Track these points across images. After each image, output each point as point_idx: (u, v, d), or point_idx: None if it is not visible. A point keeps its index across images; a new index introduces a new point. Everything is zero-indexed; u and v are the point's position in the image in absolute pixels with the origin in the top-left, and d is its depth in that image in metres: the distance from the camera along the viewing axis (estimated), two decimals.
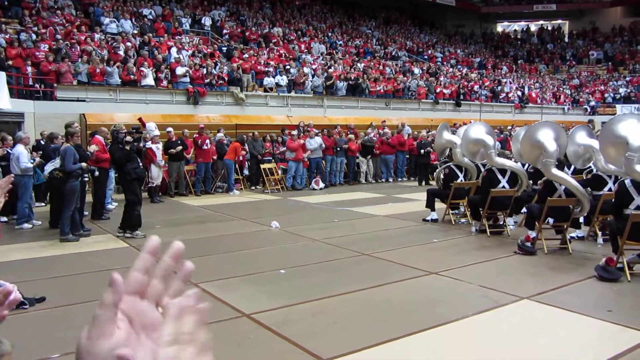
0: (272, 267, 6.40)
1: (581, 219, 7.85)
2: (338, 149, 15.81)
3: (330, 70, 21.64)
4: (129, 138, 8.64)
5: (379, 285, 5.67)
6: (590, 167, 8.80)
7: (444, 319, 4.60)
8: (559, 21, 40.19)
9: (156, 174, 12.38)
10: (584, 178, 8.81)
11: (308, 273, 6.30)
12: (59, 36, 16.47)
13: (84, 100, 15.18)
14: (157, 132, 12.22)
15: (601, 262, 5.96)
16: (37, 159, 9.91)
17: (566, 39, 38.99)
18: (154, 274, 0.61)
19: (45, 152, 10.21)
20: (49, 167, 8.62)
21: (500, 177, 8.48)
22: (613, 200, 6.53)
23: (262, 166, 14.93)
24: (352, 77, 21.49)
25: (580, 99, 30.34)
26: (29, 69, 14.66)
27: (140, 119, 12.13)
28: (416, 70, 25.90)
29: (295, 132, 15.45)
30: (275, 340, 4.22)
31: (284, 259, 6.92)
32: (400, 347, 4.12)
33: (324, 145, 15.42)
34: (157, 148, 12.22)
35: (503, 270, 6.38)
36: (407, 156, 17.56)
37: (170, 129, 13.44)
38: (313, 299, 5.21)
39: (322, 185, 15.25)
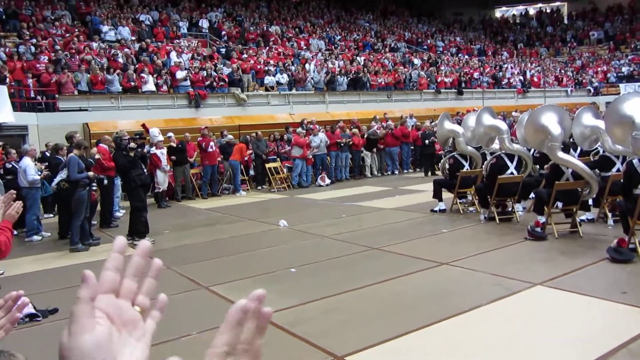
0: (283, 266, 6.40)
1: (590, 201, 7.80)
2: (342, 144, 15.78)
3: (330, 65, 21.58)
4: (132, 144, 8.62)
5: (390, 279, 5.66)
6: (597, 148, 8.73)
7: (457, 310, 4.58)
8: (558, 3, 39.82)
9: (162, 179, 12.40)
10: (592, 160, 8.74)
11: (318, 270, 6.29)
12: (57, 47, 16.50)
13: (86, 110, 15.21)
14: (160, 137, 12.21)
15: (613, 243, 5.92)
16: (44, 172, 9.95)
17: (565, 21, 38.67)
18: (125, 272, 0.61)
19: (51, 164, 10.25)
20: (57, 179, 8.64)
21: (509, 163, 8.43)
22: (622, 180, 6.47)
23: (267, 165, 14.93)
24: (353, 71, 21.43)
25: (584, 80, 30.12)
26: (30, 81, 14.69)
27: (143, 125, 12.12)
28: (416, 61, 25.77)
29: (300, 130, 15.39)
30: (289, 340, 4.22)
31: (294, 257, 6.91)
32: (415, 340, 4.10)
33: (327, 142, 15.39)
34: (162, 153, 12.22)
35: (514, 257, 6.35)
36: (412, 147, 17.51)
37: (170, 134, 13.44)
38: (325, 296, 5.20)
39: (328, 181, 15.23)
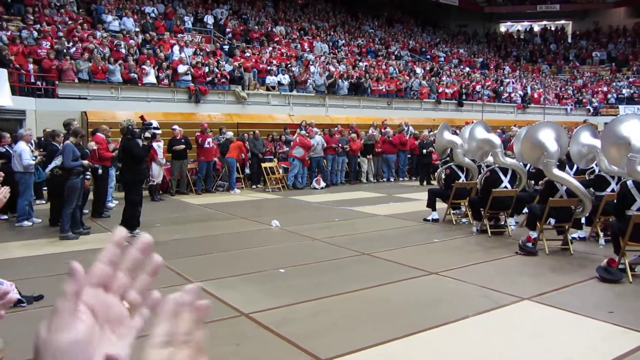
0: (272, 266, 6.38)
1: (583, 220, 7.82)
2: (339, 148, 15.78)
3: (332, 69, 21.60)
4: (147, 134, 8.43)
5: (379, 285, 5.65)
6: (592, 167, 8.76)
7: (444, 320, 4.58)
8: (563, 21, 40.08)
9: (157, 172, 12.37)
10: (587, 178, 8.77)
11: (308, 272, 6.27)
12: (61, 34, 16.45)
13: (86, 98, 15.15)
14: (158, 130, 12.18)
15: (603, 263, 5.92)
16: (39, 157, 9.90)
17: (569, 40, 38.89)
18: (120, 266, 0.58)
19: (46, 150, 10.21)
20: (51, 166, 8.59)
21: (502, 177, 8.45)
22: (615, 201, 6.49)
23: (263, 165, 14.91)
24: (354, 77, 21.45)
25: (584, 100, 30.26)
26: (31, 66, 14.63)
27: (142, 117, 12.05)
28: (418, 70, 25.85)
29: (304, 132, 15.35)
30: (274, 340, 4.20)
31: (284, 258, 6.89)
32: (399, 347, 4.09)
33: (324, 144, 15.38)
34: (159, 146, 12.20)
35: (504, 270, 6.35)
36: (409, 156, 17.53)
37: (176, 126, 13.46)
38: (313, 299, 5.18)
39: (323, 184, 15.22)
